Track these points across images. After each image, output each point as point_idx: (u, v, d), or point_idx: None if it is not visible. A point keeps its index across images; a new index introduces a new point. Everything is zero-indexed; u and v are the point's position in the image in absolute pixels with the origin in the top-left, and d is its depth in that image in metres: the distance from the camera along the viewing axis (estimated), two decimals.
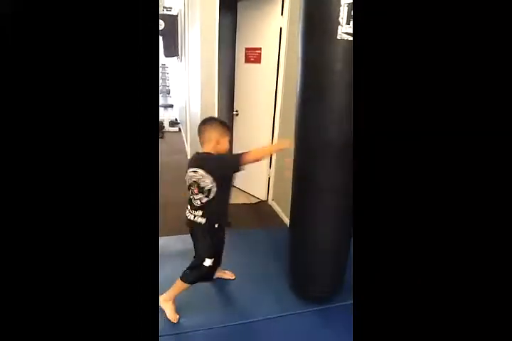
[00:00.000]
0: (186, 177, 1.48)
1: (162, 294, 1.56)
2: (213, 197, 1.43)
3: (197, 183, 1.43)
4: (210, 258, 1.53)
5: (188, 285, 1.54)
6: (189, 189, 1.48)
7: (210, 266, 1.54)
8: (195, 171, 1.42)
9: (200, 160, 1.45)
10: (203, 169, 1.40)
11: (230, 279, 1.87)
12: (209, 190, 1.42)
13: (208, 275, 1.60)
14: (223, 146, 1.47)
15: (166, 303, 1.56)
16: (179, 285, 1.54)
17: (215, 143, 1.44)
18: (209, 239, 1.52)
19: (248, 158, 1.38)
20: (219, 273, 1.85)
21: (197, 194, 1.45)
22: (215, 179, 1.40)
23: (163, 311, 1.55)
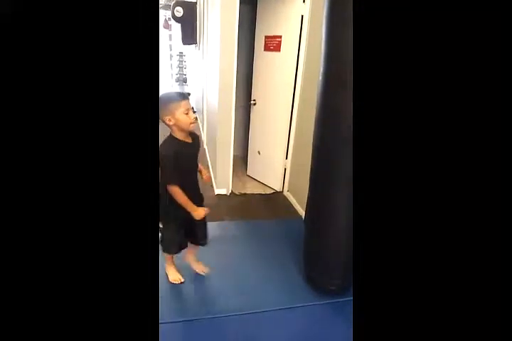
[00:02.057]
0: None
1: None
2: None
3: None
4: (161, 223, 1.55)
5: (166, 254, 1.67)
6: None
7: (169, 233, 1.55)
8: None
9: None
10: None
11: (201, 273, 1.81)
12: None
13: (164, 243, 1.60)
14: (182, 121, 1.34)
15: (166, 269, 1.75)
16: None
17: (168, 123, 1.35)
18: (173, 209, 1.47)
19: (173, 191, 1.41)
20: (193, 264, 1.83)
21: None
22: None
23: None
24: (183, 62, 8.11)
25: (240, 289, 1.75)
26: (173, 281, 1.72)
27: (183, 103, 1.33)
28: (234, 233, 1.72)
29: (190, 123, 1.36)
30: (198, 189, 1.57)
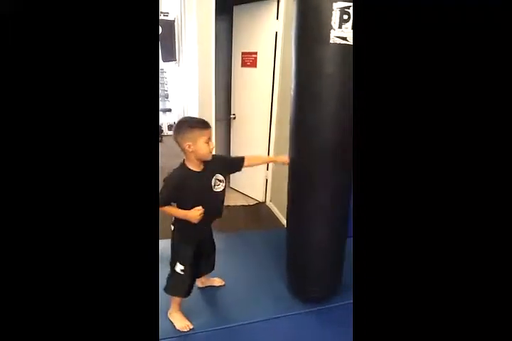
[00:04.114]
0: None
1: (162, 293, 1.54)
2: None
3: None
4: (182, 264, 1.46)
5: (179, 297, 1.52)
6: None
7: (181, 275, 1.46)
8: None
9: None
10: None
11: (220, 286, 1.82)
12: None
13: (180, 285, 1.49)
14: (200, 150, 1.30)
15: (171, 315, 1.55)
16: (173, 298, 1.53)
17: (186, 151, 1.30)
18: (184, 247, 1.47)
19: (248, 162, 1.44)
20: (208, 282, 1.81)
21: None
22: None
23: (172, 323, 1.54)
24: (164, 79, 8.16)
25: (226, 302, 1.75)
26: (181, 329, 1.49)
27: (207, 132, 1.30)
28: (218, 246, 1.73)
29: (210, 152, 1.33)
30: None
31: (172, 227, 1.49)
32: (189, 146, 1.28)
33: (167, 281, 1.51)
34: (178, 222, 1.44)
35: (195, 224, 1.36)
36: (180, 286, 1.50)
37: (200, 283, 1.79)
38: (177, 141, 1.31)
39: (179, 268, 1.47)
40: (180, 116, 5.41)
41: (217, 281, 1.84)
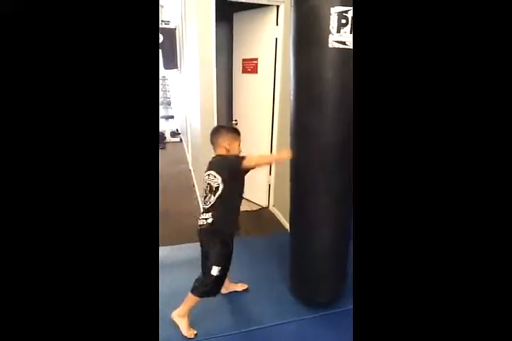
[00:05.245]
0: (202, 183, 1.56)
1: (164, 302, 1.53)
2: (220, 195, 1.47)
3: (209, 184, 1.51)
4: (218, 266, 1.49)
5: (199, 298, 1.53)
6: (204, 193, 1.55)
7: (217, 276, 1.50)
8: (208, 174, 1.52)
9: (211, 163, 1.56)
10: (213, 170, 1.51)
11: (244, 290, 1.84)
12: (217, 188, 1.48)
13: (214, 287, 1.53)
14: (234, 151, 1.58)
15: (179, 319, 1.56)
16: (190, 299, 1.53)
17: (224, 148, 1.56)
18: (218, 246, 1.50)
19: (248, 161, 1.46)
20: (231, 286, 1.82)
21: (207, 195, 1.52)
22: (223, 178, 1.47)
23: (177, 326, 1.55)
24: (166, 86, 8.24)
25: (230, 308, 1.74)
26: (189, 336, 1.52)
27: (239, 138, 1.62)
28: None
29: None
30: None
31: (199, 230, 1.53)
32: (229, 145, 1.56)
33: (197, 285, 1.53)
34: (215, 221, 1.49)
35: (228, 222, 1.55)
36: (215, 287, 1.54)
37: (224, 288, 1.76)
38: (215, 141, 1.60)
39: (215, 271, 1.49)
40: (183, 123, 5.45)
41: (240, 286, 1.86)
